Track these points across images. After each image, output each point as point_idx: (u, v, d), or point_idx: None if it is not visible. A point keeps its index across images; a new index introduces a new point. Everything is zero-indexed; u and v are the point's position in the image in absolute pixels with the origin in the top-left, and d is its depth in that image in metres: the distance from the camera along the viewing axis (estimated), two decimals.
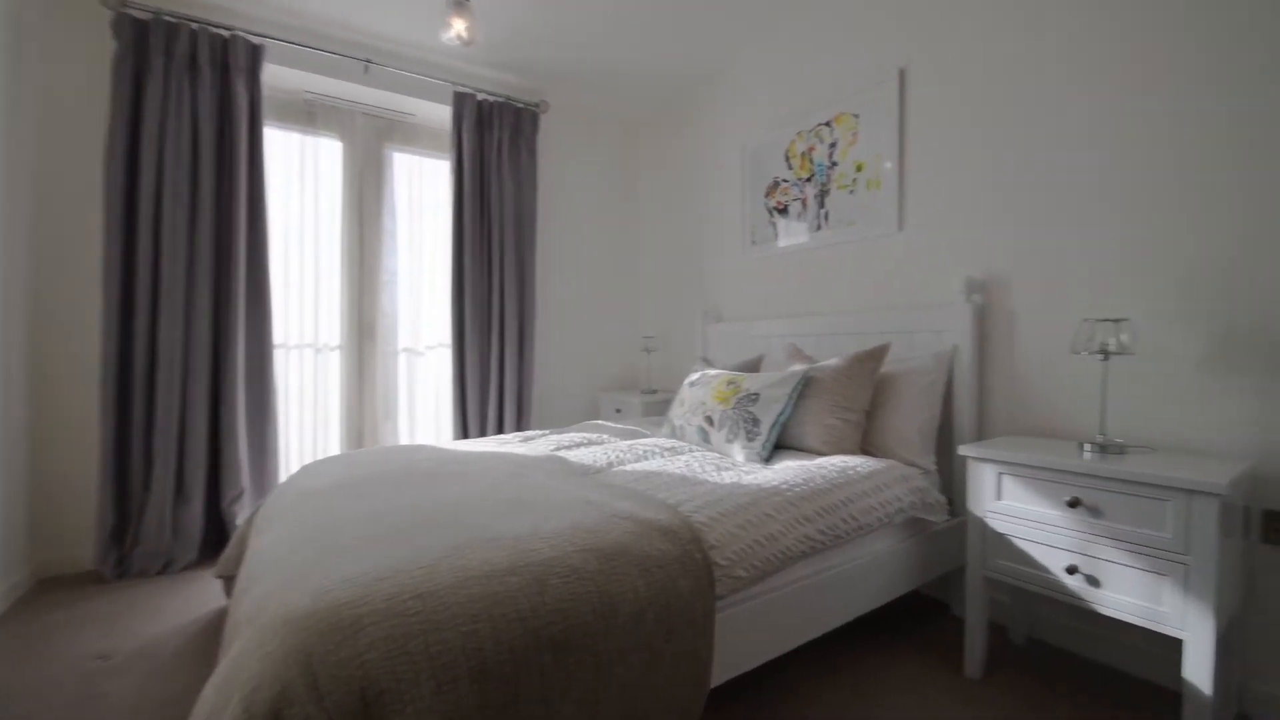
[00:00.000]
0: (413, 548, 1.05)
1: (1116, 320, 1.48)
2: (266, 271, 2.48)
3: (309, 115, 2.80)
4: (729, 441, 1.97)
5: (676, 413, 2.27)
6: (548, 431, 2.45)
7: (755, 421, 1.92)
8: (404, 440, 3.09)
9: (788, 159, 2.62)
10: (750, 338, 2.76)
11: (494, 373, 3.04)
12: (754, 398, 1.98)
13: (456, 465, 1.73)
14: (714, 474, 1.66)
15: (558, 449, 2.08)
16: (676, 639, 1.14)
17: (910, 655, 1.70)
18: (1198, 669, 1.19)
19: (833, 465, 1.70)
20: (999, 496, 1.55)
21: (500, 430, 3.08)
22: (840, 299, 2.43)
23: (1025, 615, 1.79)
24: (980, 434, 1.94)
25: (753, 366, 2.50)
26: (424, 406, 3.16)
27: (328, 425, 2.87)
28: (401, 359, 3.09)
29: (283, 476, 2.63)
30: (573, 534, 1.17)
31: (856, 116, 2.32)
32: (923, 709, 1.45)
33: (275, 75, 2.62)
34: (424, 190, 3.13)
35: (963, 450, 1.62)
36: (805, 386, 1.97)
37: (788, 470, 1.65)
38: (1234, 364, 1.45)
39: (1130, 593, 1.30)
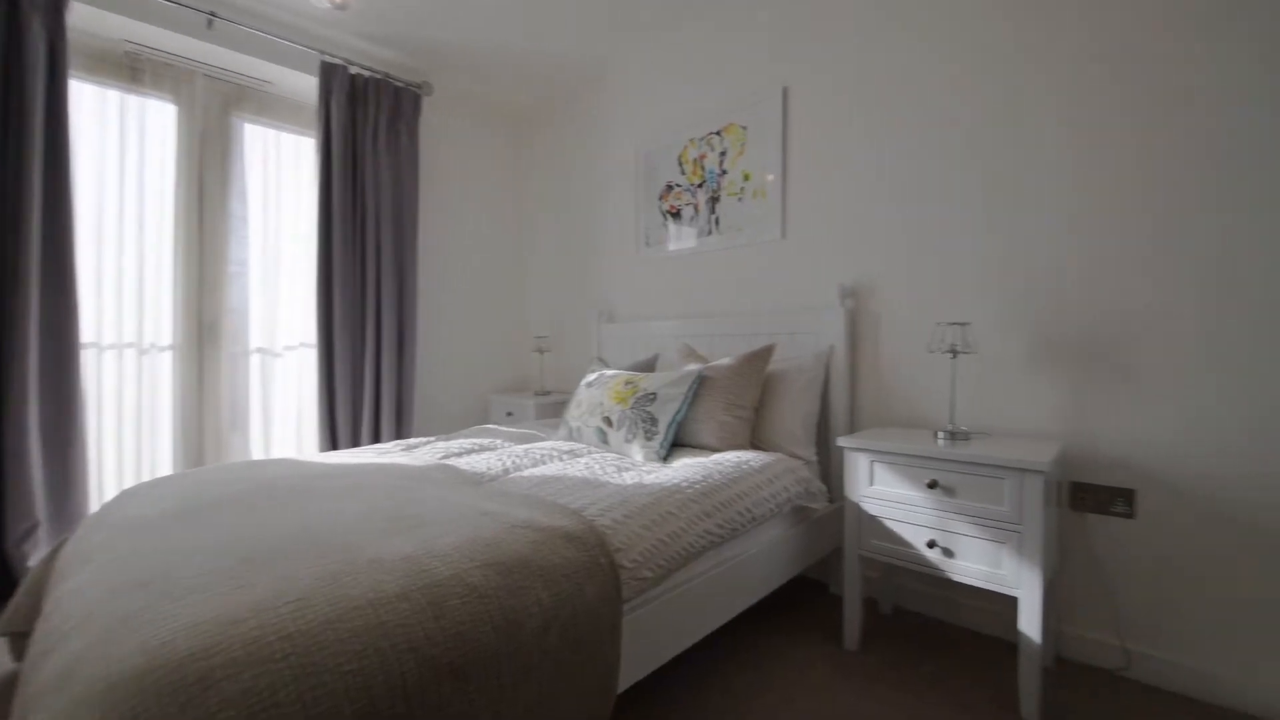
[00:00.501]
0: (279, 580, 0.90)
1: (962, 324, 1.70)
2: (71, 257, 2.04)
3: (132, 70, 2.34)
4: (628, 441, 1.97)
5: (574, 414, 2.23)
6: (434, 438, 2.28)
7: (653, 421, 1.93)
8: (257, 455, 2.71)
9: (681, 164, 2.68)
10: (645, 338, 2.79)
11: (369, 375, 2.78)
12: (651, 397, 1.99)
13: (328, 480, 1.54)
14: (615, 475, 1.64)
15: (446, 457, 1.94)
16: (583, 649, 1.10)
17: (796, 634, 1.82)
18: (1029, 621, 1.40)
19: (728, 461, 1.76)
20: (871, 482, 1.70)
21: (377, 439, 2.82)
22: (730, 301, 2.53)
23: (891, 588, 1.99)
24: (853, 426, 2.13)
25: (648, 366, 2.53)
26: (283, 415, 2.80)
27: (156, 440, 2.43)
28: (254, 361, 2.71)
29: (94, 506, 2.18)
30: (470, 549, 1.08)
31: (744, 128, 2.44)
32: (810, 682, 1.55)
33: (86, 18, 2.16)
34: (283, 169, 2.77)
35: (840, 442, 1.76)
36: (700, 385, 2.03)
37: (687, 468, 1.68)
38: (1048, 363, 1.72)
39: (977, 560, 1.49)
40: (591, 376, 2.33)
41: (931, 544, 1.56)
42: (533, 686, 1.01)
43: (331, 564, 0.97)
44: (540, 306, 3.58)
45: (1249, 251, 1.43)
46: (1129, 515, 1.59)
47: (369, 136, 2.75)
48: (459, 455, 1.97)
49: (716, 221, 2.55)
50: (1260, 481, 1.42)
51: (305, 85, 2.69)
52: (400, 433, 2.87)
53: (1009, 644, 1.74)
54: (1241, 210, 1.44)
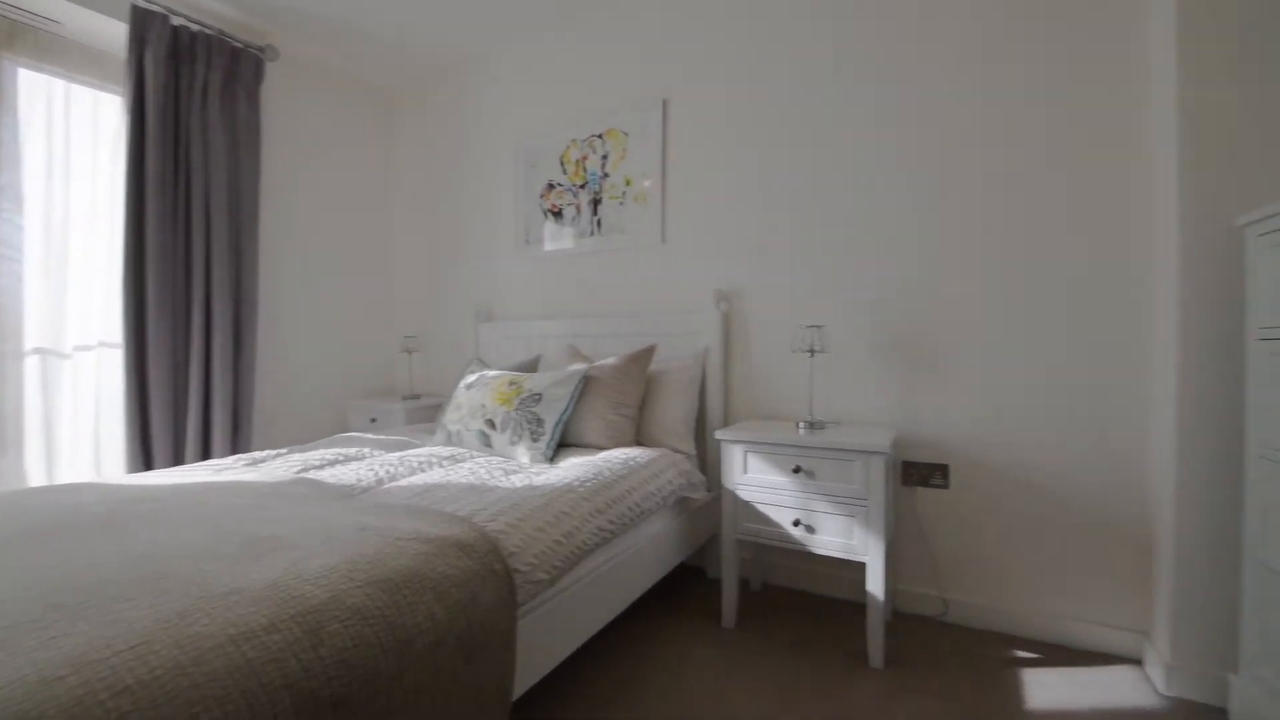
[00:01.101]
0: (107, 625, 0.75)
1: (818, 327, 1.91)
2: None
3: None
4: (513, 444, 1.92)
5: (452, 417, 2.12)
6: (285, 450, 2.03)
7: (539, 421, 1.91)
8: (36, 481, 2.19)
9: (563, 164, 2.67)
10: (526, 338, 2.73)
11: (195, 380, 2.38)
12: (537, 398, 1.97)
13: (153, 504, 1.30)
14: (503, 479, 1.60)
15: (305, 470, 1.74)
16: (479, 660, 1.07)
17: (679, 618, 1.92)
18: (875, 583, 1.62)
19: (616, 458, 1.80)
20: (745, 471, 1.84)
21: (207, 455, 2.43)
22: (614, 302, 2.58)
23: (760, 566, 2.17)
24: (726, 420, 2.29)
25: (531, 367, 2.48)
26: (73, 429, 2.29)
27: None
28: (30, 364, 2.19)
29: None
30: (349, 568, 0.99)
31: (626, 134, 2.50)
32: (695, 661, 1.66)
33: None
34: (74, 130, 2.27)
35: (718, 434, 1.88)
36: (585, 385, 2.04)
37: (576, 467, 1.69)
38: (882, 360, 2.01)
39: (834, 534, 1.69)
40: (471, 378, 2.24)
41: (796, 523, 1.74)
42: (426, 705, 0.95)
43: (176, 600, 0.83)
44: (409, 304, 3.33)
45: (1028, 270, 1.80)
46: (944, 486, 1.91)
47: (197, 100, 2.35)
48: (320, 467, 1.77)
49: (599, 223, 2.58)
50: (1035, 455, 1.79)
51: (110, 30, 2.22)
52: (237, 447, 2.50)
53: (858, 605, 1.99)
54: (1036, 235, 1.80)
